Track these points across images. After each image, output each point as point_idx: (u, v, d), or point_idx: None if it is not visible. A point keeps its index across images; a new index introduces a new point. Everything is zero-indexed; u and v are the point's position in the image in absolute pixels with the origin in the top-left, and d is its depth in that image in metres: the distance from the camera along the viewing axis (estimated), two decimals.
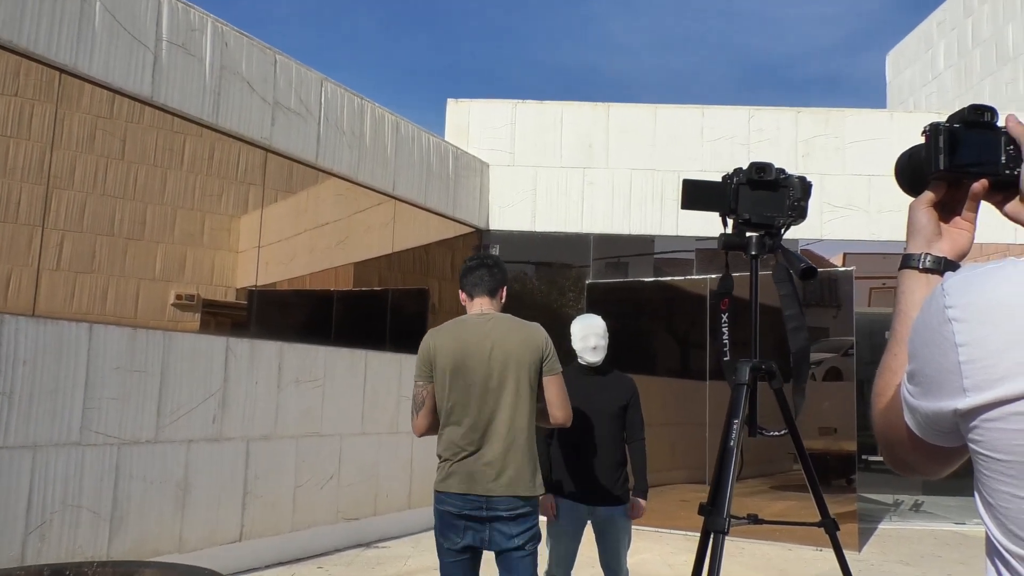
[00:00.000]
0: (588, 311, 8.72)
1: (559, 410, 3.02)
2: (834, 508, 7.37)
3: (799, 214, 2.54)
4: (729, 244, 2.60)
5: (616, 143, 8.99)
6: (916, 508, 9.54)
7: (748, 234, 2.55)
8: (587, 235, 8.88)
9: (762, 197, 2.51)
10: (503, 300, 3.17)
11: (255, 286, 6.04)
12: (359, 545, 6.53)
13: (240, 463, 5.57)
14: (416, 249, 8.05)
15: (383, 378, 7.02)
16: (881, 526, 8.26)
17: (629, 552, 3.76)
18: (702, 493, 8.14)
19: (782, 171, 2.51)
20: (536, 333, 3.05)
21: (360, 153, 6.90)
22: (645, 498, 3.72)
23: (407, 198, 7.55)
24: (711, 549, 2.34)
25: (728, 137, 8.99)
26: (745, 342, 2.69)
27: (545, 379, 3.02)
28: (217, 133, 5.67)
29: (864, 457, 8.18)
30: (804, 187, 2.54)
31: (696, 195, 2.55)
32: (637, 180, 8.94)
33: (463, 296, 3.16)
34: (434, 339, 3.04)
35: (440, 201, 8.06)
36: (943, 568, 6.44)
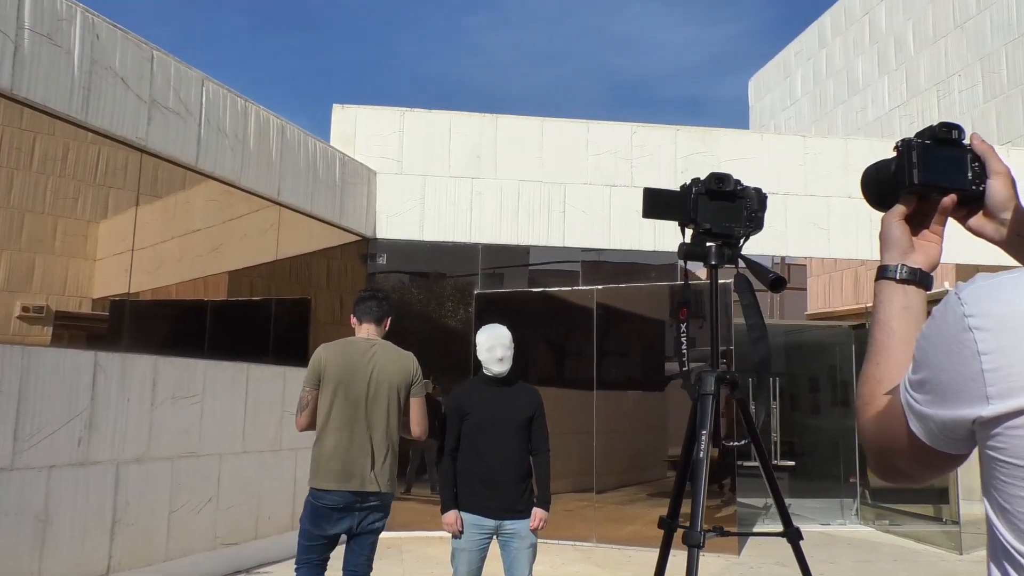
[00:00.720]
0: (476, 321, 8.69)
1: (418, 426, 3.81)
2: (715, 513, 7.66)
3: (756, 225, 2.57)
4: (690, 254, 2.60)
5: (504, 154, 9.01)
6: None
7: (708, 244, 2.55)
8: (475, 245, 8.83)
9: (721, 207, 2.52)
10: (387, 328, 3.92)
11: (126, 295, 5.60)
12: (239, 572, 6.17)
13: (109, 489, 5.13)
14: (299, 258, 7.74)
15: (266, 392, 6.69)
16: (754, 529, 8.64)
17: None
18: (588, 503, 8.25)
19: (739, 182, 2.53)
20: (409, 362, 3.81)
21: (244, 157, 6.56)
22: (547, 509, 3.70)
23: (293, 204, 7.25)
24: (687, 564, 2.30)
25: (612, 152, 9.20)
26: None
27: (412, 400, 3.80)
28: (80, 130, 5.22)
29: (739, 463, 8.52)
30: (760, 198, 2.57)
31: (656, 203, 2.53)
32: (525, 191, 8.98)
33: (353, 320, 3.90)
34: (325, 353, 3.71)
35: (327, 208, 7.79)
36: (815, 568, 6.77)
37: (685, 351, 2.66)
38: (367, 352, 3.69)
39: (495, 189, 8.94)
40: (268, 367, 6.81)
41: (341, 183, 8.06)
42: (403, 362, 3.76)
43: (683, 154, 9.33)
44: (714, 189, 2.52)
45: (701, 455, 2.43)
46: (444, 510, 3.62)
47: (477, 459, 3.62)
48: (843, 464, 10.15)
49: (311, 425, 3.71)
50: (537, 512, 3.66)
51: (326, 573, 3.84)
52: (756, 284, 2.62)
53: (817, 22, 20.09)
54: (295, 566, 3.82)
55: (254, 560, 6.41)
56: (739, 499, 7.83)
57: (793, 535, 2.63)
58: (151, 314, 6.09)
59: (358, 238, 8.54)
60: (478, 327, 8.62)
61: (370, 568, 3.87)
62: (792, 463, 9.69)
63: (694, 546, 2.35)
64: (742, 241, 2.57)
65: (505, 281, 9.01)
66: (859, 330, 9.91)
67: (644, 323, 8.41)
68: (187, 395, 5.77)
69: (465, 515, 3.58)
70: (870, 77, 17.37)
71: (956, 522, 7.69)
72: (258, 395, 6.58)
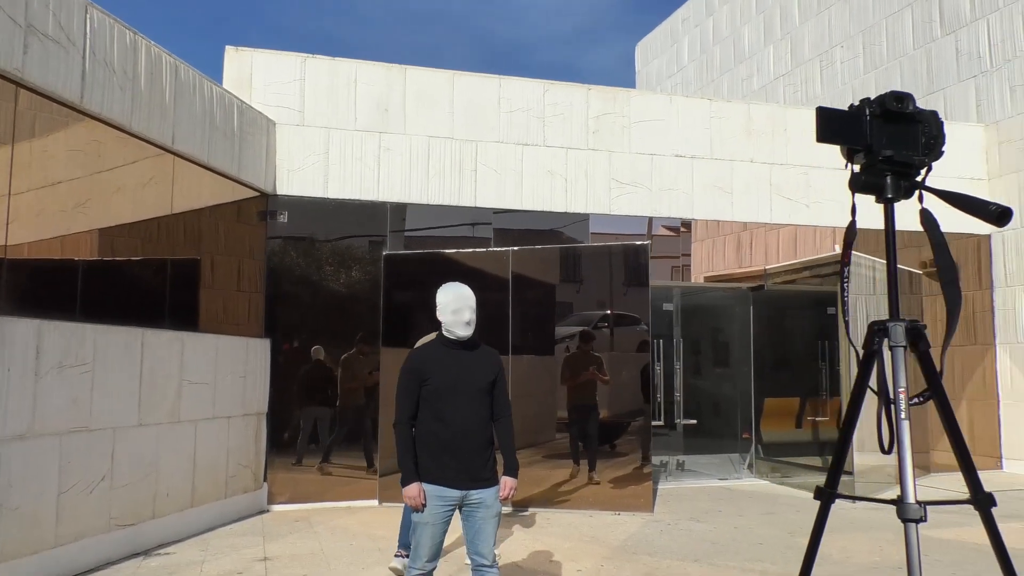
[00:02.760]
0: (385, 283, 8.32)
1: None
2: (626, 471, 7.69)
3: (935, 153, 2.31)
4: (866, 186, 2.32)
5: (413, 108, 8.60)
6: (681, 467, 10.30)
7: (886, 175, 2.28)
8: (384, 203, 8.41)
9: (897, 131, 2.25)
10: None
11: (2, 249, 4.90)
12: (137, 554, 5.65)
13: None
14: (194, 213, 7.10)
15: (162, 360, 6.12)
16: (660, 487, 8.81)
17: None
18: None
19: (915, 102, 2.27)
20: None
21: (134, 97, 5.88)
22: (516, 477, 3.51)
23: (188, 154, 6.61)
24: (907, 541, 2.18)
25: (524, 109, 8.96)
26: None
27: None
28: None
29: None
30: (938, 123, 2.32)
31: (830, 125, 2.24)
32: (435, 148, 8.62)
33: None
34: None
35: (225, 160, 7.17)
36: (727, 521, 6.96)
37: (847, 299, 2.46)
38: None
39: (404, 145, 8.53)
40: (164, 332, 6.23)
41: (239, 133, 7.44)
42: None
43: (594, 114, 9.21)
44: (893, 110, 2.23)
45: (903, 416, 2.21)
46: (406, 482, 3.34)
47: (440, 426, 3.36)
48: (740, 421, 10.51)
49: None
50: (507, 480, 3.46)
51: None
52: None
53: None
54: None
55: (153, 541, 5.90)
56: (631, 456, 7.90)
57: (984, 501, 2.43)
58: (32, 272, 5.39)
59: (256, 194, 7.94)
60: (386, 289, 8.28)
61: None
62: (695, 421, 9.94)
63: (914, 520, 2.13)
64: (924, 172, 2.35)
65: (414, 242, 8.65)
66: (756, 292, 10.21)
67: (560, 286, 8.30)
68: (76, 363, 5.16)
69: (428, 487, 3.32)
70: (756, 46, 17.84)
71: (850, 472, 8.07)
72: (154, 363, 6.00)
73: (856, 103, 2.35)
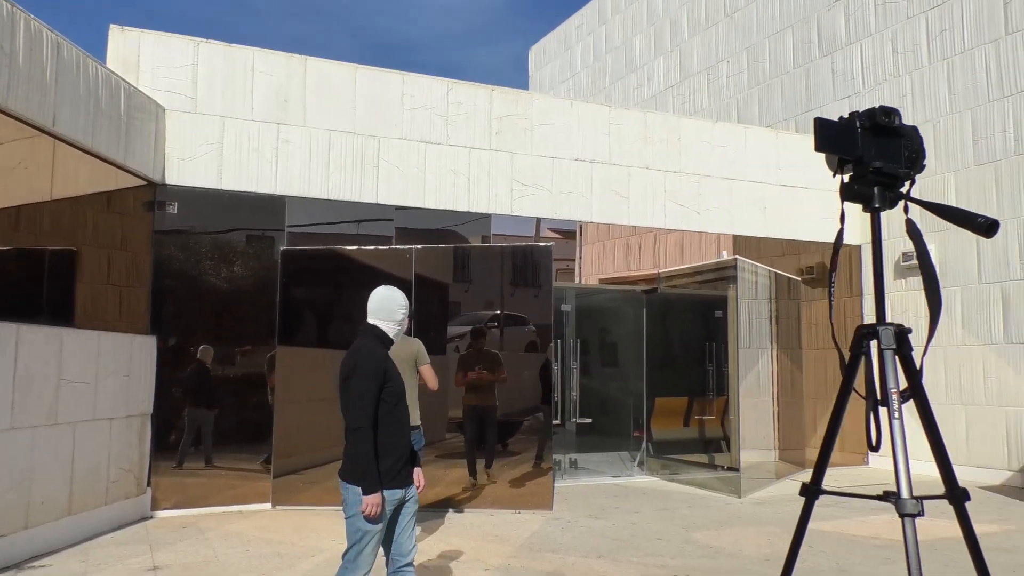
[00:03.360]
0: (282, 280, 8.03)
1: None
2: (526, 470, 7.75)
3: (918, 167, 2.38)
4: (858, 195, 2.35)
5: (314, 100, 8.36)
6: (574, 465, 10.49)
7: (875, 186, 2.33)
8: (281, 197, 8.14)
9: (884, 144, 2.31)
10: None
11: None
12: (8, 568, 5.22)
13: None
14: (76, 200, 6.64)
15: (39, 359, 5.68)
16: (556, 484, 8.92)
17: None
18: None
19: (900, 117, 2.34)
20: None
21: (11, 74, 5.43)
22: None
23: (71, 137, 6.16)
24: (904, 536, 2.18)
25: (428, 107, 8.89)
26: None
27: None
28: None
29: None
30: (918, 138, 2.40)
31: (827, 135, 2.27)
32: (336, 141, 8.41)
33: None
34: None
35: (110, 145, 6.74)
36: (624, 517, 7.13)
37: (833, 302, 2.51)
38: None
39: (304, 137, 8.28)
40: (42, 328, 5.79)
41: (126, 118, 7.01)
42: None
43: (497, 115, 9.24)
44: (881, 124, 2.30)
45: (896, 416, 2.27)
46: (372, 491, 3.21)
47: (398, 427, 3.31)
48: (631, 420, 10.81)
49: None
50: (418, 471, 3.47)
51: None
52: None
53: None
54: None
55: (26, 552, 5.47)
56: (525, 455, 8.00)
57: (960, 497, 2.49)
58: None
59: (143, 183, 7.51)
60: (283, 285, 8.00)
61: None
62: (589, 420, 10.14)
63: (912, 515, 2.18)
64: (908, 184, 2.43)
65: (314, 238, 8.40)
66: (650, 294, 10.53)
67: (463, 284, 8.27)
68: None
69: (385, 492, 3.25)
70: (646, 56, 18.41)
71: (736, 469, 8.45)
72: (30, 361, 5.56)
73: (845, 115, 2.46)
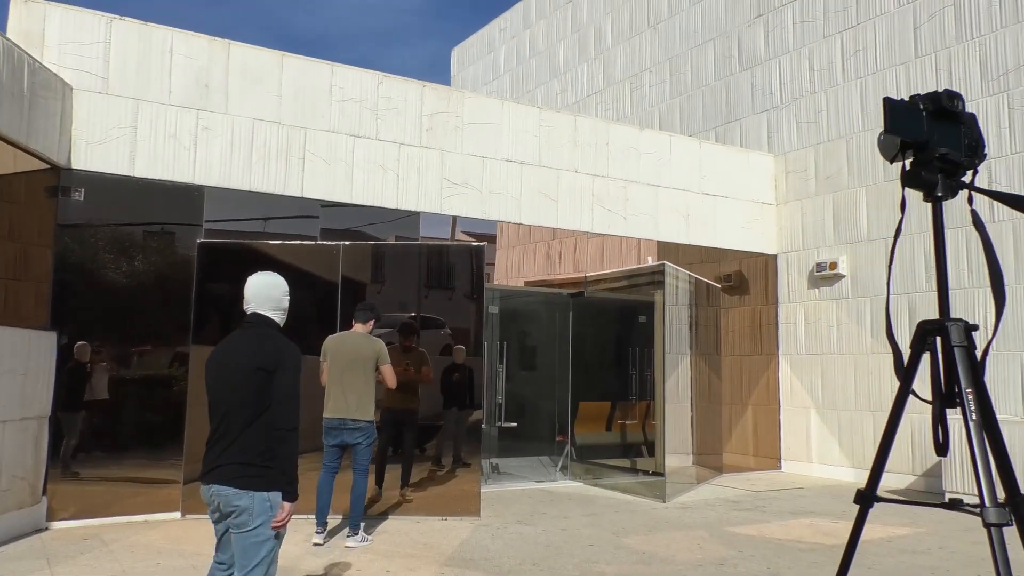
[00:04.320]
0: (198, 275, 7.60)
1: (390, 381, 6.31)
2: (452, 476, 7.57)
3: (979, 155, 2.28)
4: (922, 182, 2.22)
5: (237, 87, 7.96)
6: (496, 470, 10.36)
7: (938, 173, 2.21)
8: (200, 187, 7.70)
9: (946, 130, 2.19)
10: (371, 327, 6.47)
11: None
12: None
13: None
14: None
15: None
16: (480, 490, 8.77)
17: None
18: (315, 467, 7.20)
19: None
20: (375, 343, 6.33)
21: None
22: None
23: None
24: (992, 547, 2.01)
25: (357, 100, 8.61)
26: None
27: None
28: None
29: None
30: (977, 127, 2.29)
31: (900, 117, 2.12)
32: (260, 131, 8.04)
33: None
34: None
35: (10, 123, 6.20)
36: (553, 523, 7.05)
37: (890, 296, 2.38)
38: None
39: (225, 125, 7.87)
40: None
41: (29, 95, 6.48)
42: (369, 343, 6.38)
43: (428, 111, 9.04)
44: (946, 108, 2.19)
45: (974, 417, 2.13)
46: (295, 497, 3.04)
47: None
48: (554, 424, 10.77)
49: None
50: None
51: None
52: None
53: (522, 3, 20.93)
54: None
55: None
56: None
57: (1020, 505, 2.28)
58: None
59: (47, 167, 6.96)
60: (199, 280, 7.59)
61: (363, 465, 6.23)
62: (515, 424, 10.04)
63: (998, 525, 2.03)
64: (971, 173, 2.33)
65: (233, 232, 7.99)
66: (576, 298, 10.52)
67: (392, 283, 8.03)
68: None
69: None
70: (570, 63, 18.52)
71: (661, 474, 8.52)
72: None
73: (907, 98, 2.38)
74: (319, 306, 7.64)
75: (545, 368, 11.17)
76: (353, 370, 6.17)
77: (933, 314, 2.62)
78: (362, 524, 6.14)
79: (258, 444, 3.03)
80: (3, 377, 6.03)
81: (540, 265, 17.81)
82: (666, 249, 11.34)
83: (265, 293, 3.29)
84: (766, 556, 5.81)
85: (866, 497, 2.56)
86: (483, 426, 8.33)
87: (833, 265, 10.63)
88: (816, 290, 11.00)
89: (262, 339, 3.19)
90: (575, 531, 6.67)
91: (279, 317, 3.32)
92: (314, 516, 6.19)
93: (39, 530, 6.51)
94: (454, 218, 9.60)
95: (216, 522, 3.12)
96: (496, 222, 9.55)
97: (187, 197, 7.65)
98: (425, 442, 8.02)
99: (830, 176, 10.99)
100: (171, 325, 7.46)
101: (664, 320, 8.63)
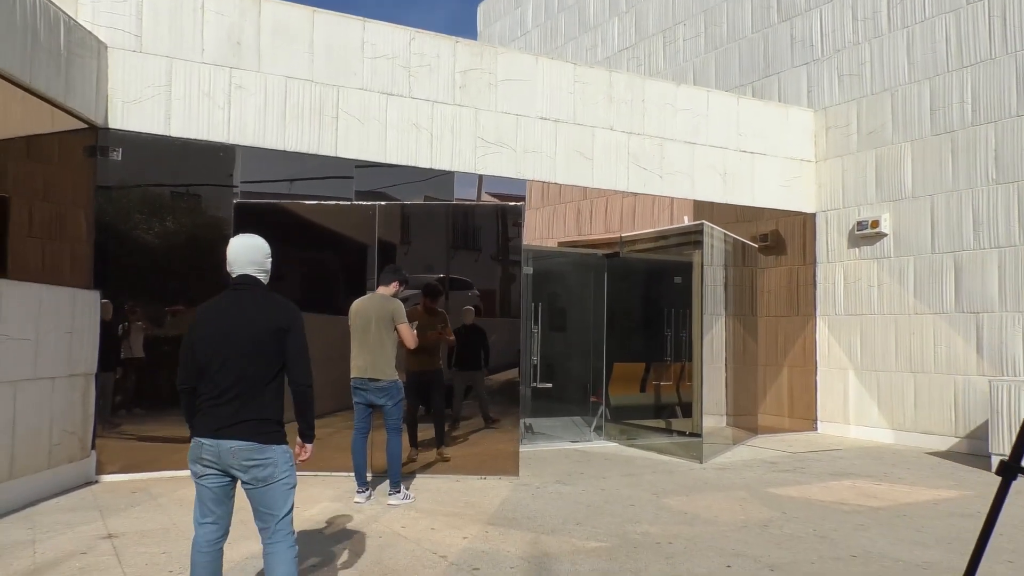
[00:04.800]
0: (238, 234, 7.57)
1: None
2: (491, 435, 7.58)
3: None
4: None
5: (269, 44, 7.87)
6: (529, 430, 10.38)
7: None
8: (234, 146, 7.67)
9: None
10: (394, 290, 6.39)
11: None
12: None
13: None
14: (7, 143, 6.08)
15: None
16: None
17: None
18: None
19: None
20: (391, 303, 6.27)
21: None
22: None
23: (7, 72, 5.61)
24: None
25: (389, 56, 8.48)
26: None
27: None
28: None
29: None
30: None
31: None
32: (294, 90, 7.96)
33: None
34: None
35: (49, 82, 6.18)
36: (592, 483, 7.05)
37: None
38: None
39: (258, 84, 7.80)
40: None
41: (66, 53, 6.45)
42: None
43: (461, 68, 8.89)
44: None
45: None
46: (313, 440, 3.47)
47: None
48: (588, 385, 10.75)
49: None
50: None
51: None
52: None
53: None
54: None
55: None
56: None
57: None
58: None
59: (85, 126, 6.96)
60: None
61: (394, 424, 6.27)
62: (550, 384, 10.03)
63: None
64: None
65: (267, 192, 7.96)
66: (611, 259, 10.42)
67: (427, 243, 7.98)
68: None
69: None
70: (601, 17, 18.13)
71: (698, 435, 8.47)
72: None
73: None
74: (353, 268, 7.62)
75: (578, 329, 11.11)
76: (370, 331, 6.21)
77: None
78: (402, 483, 6.19)
79: (277, 400, 3.19)
80: (51, 335, 6.10)
81: (569, 226, 17.66)
82: (700, 208, 11.15)
83: (249, 256, 3.33)
84: (810, 518, 5.76)
85: (1010, 468, 2.46)
86: (532, 385, 8.26)
87: (875, 223, 10.39)
88: (856, 249, 10.78)
89: (269, 300, 3.29)
90: (614, 491, 6.67)
91: (264, 278, 3.37)
92: (353, 474, 6.26)
93: (89, 483, 6.64)
94: (480, 177, 9.46)
95: (207, 477, 3.17)
96: (520, 182, 9.35)
97: (222, 156, 7.62)
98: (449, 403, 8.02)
99: (873, 131, 10.69)
100: (208, 284, 7.48)
101: (703, 281, 8.49)
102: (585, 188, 9.95)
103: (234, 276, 3.33)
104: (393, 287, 6.44)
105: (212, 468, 3.15)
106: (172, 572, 4.22)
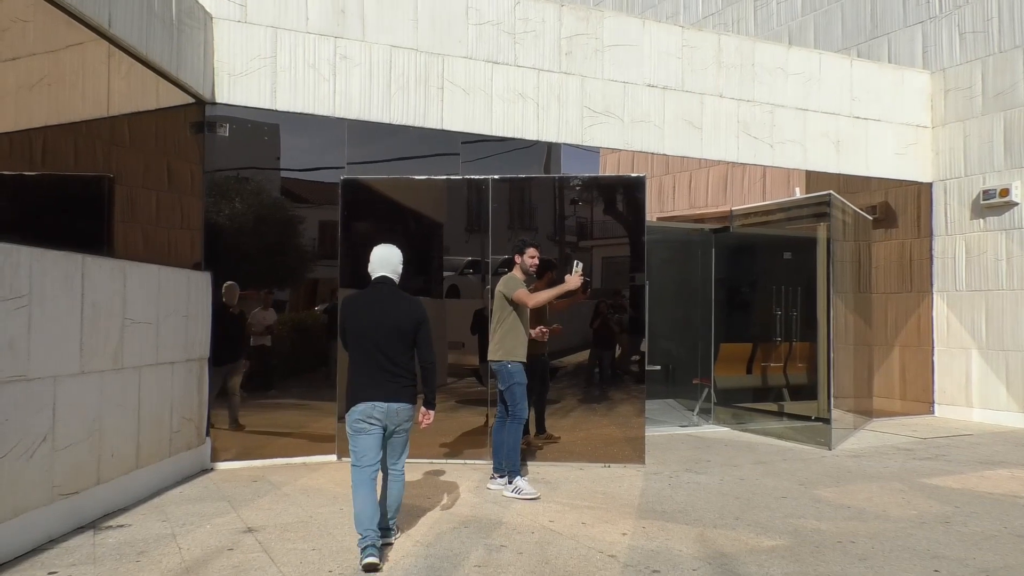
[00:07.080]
0: (343, 212, 7.31)
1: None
2: (615, 421, 7.18)
3: None
4: None
5: (373, 12, 7.52)
6: None
7: None
8: (341, 119, 7.36)
9: None
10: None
11: None
12: (83, 528, 4.64)
13: None
14: (127, 118, 5.85)
15: (105, 294, 4.99)
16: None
17: None
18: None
19: None
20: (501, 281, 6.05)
21: None
22: None
23: (126, 42, 5.36)
24: None
25: (494, 22, 8.07)
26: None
27: None
28: None
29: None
30: None
31: None
32: (399, 60, 7.61)
33: None
34: None
35: (163, 54, 5.93)
36: (726, 472, 6.61)
37: None
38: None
39: (363, 54, 7.47)
40: (107, 261, 5.09)
41: (177, 23, 6.19)
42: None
43: (567, 34, 8.43)
44: None
45: None
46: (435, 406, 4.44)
47: None
48: (699, 367, 10.27)
49: None
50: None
51: None
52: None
53: None
54: None
55: (97, 511, 4.88)
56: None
57: None
58: None
59: (192, 100, 6.71)
60: (344, 218, 7.27)
61: (511, 411, 5.92)
62: (658, 367, 9.60)
63: None
64: None
65: (371, 167, 7.65)
66: (719, 233, 9.89)
67: (541, 218, 7.59)
68: (10, 296, 4.03)
69: None
70: None
71: (826, 420, 7.96)
72: (97, 297, 4.88)
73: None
74: (469, 246, 7.27)
75: (683, 307, 10.63)
76: (492, 312, 6.05)
77: None
78: (518, 476, 5.71)
79: (413, 371, 4.27)
80: (170, 318, 5.90)
81: (681, 197, 17.05)
82: (816, 180, 10.51)
83: (388, 263, 4.39)
84: (991, 513, 5.25)
85: None
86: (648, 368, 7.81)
87: (1004, 192, 9.65)
88: (981, 220, 10.05)
89: (406, 298, 4.37)
90: (754, 481, 6.23)
91: (396, 279, 4.41)
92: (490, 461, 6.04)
93: (205, 470, 6.47)
94: (548, 147, 8.85)
95: (372, 432, 4.15)
96: (597, 154, 8.77)
97: (329, 129, 7.31)
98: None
99: (1001, 92, 9.91)
100: (320, 265, 7.24)
101: (829, 256, 7.92)
102: (684, 159, 9.38)
103: (374, 276, 4.38)
104: (516, 260, 6.11)
105: (377, 424, 4.15)
106: (332, 572, 3.93)
